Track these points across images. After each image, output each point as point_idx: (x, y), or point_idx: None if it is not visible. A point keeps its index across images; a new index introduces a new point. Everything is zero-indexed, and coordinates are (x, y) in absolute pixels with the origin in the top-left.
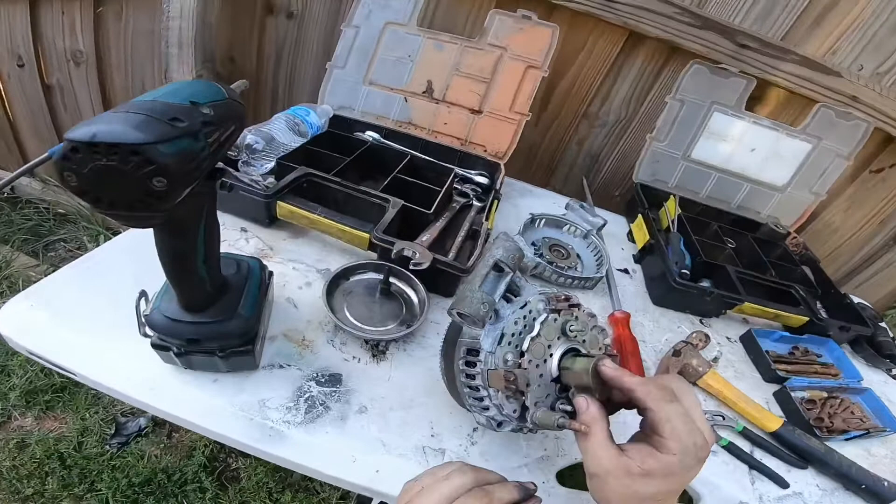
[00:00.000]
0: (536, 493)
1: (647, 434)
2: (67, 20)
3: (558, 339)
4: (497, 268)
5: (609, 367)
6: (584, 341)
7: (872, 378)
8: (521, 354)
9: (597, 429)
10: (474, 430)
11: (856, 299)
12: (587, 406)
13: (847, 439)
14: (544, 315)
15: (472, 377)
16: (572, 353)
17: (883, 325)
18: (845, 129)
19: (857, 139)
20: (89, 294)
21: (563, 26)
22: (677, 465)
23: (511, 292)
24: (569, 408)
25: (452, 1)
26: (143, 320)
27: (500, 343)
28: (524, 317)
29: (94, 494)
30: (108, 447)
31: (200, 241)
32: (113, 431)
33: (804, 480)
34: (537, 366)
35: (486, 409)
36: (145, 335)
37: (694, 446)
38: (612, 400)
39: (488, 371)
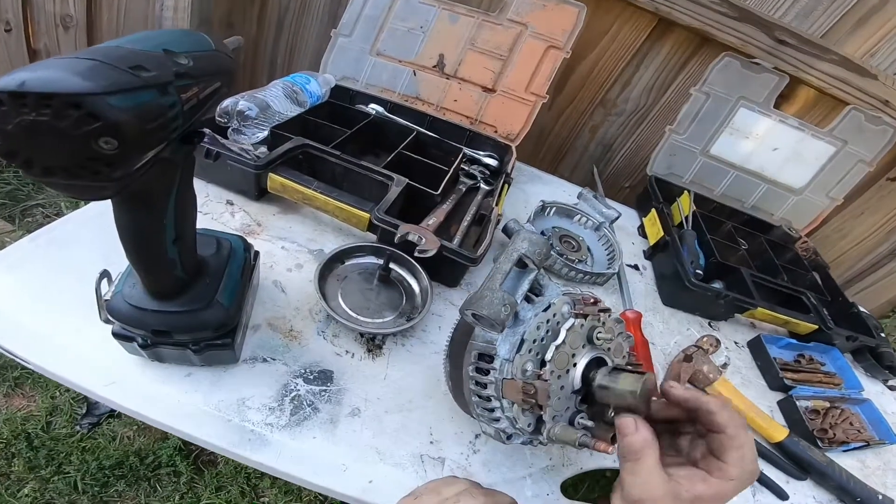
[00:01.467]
0: None
1: (690, 456)
2: None
3: (583, 347)
4: (521, 264)
5: (680, 389)
6: (608, 349)
7: (870, 388)
8: (543, 364)
9: (648, 453)
10: (476, 436)
11: (859, 308)
12: (636, 428)
13: (846, 451)
14: (571, 320)
15: (484, 386)
16: (602, 365)
17: (884, 335)
18: (872, 134)
19: (882, 145)
20: (51, 270)
21: (590, 6)
22: (731, 492)
23: (533, 292)
24: (590, 423)
25: None
26: (103, 306)
27: (519, 350)
28: (547, 321)
29: (62, 477)
30: (77, 428)
31: (170, 219)
32: (84, 411)
33: (802, 492)
34: (559, 377)
35: (497, 420)
36: (107, 321)
37: (751, 475)
38: (651, 418)
39: (503, 380)
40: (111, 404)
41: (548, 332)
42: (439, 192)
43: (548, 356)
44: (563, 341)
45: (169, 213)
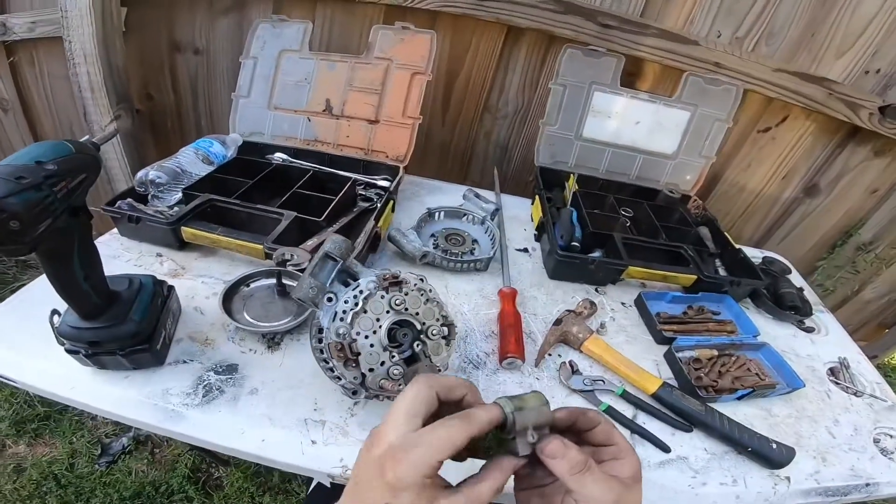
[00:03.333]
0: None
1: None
2: None
3: (387, 312)
4: (328, 258)
5: (562, 411)
6: (416, 313)
7: (780, 332)
8: (351, 327)
9: (592, 463)
10: (355, 404)
11: (766, 253)
12: (565, 448)
13: (739, 398)
14: (368, 293)
15: (321, 351)
16: (408, 326)
17: (790, 277)
18: (717, 94)
19: (730, 102)
20: (22, 321)
21: (448, 30)
22: (638, 464)
23: (352, 278)
24: (398, 371)
25: (344, 21)
26: (56, 332)
27: (333, 320)
28: (354, 296)
29: None
30: (97, 466)
31: (77, 265)
32: (99, 451)
33: (691, 444)
34: (367, 336)
35: (338, 378)
36: (61, 344)
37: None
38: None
39: (328, 344)
40: (72, 402)
41: (356, 304)
42: (323, 218)
43: (349, 320)
44: (363, 308)
45: (75, 261)
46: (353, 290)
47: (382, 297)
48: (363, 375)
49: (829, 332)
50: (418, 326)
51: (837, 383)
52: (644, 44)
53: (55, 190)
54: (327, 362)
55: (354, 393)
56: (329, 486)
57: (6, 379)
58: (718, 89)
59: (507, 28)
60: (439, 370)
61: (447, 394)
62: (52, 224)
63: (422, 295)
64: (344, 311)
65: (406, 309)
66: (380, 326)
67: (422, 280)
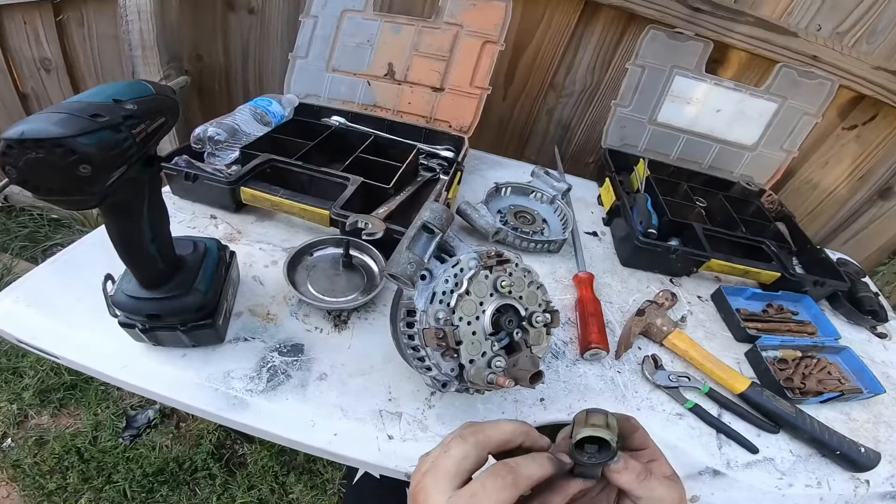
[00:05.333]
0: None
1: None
2: (31, 29)
3: (491, 295)
4: (426, 229)
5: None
6: (520, 297)
7: (854, 336)
8: (452, 312)
9: (650, 467)
10: (432, 393)
11: (837, 255)
12: (625, 460)
13: (823, 402)
14: (472, 272)
15: (412, 337)
16: (511, 311)
17: (865, 280)
18: (810, 88)
19: (822, 97)
20: (67, 285)
21: (519, 1)
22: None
23: (448, 253)
24: (501, 364)
25: None
26: (109, 301)
27: (431, 302)
28: (455, 275)
29: (112, 486)
30: (121, 440)
31: (145, 223)
32: (124, 424)
33: (777, 445)
34: (469, 322)
35: (429, 369)
36: (114, 315)
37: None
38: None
39: (423, 330)
40: (122, 384)
41: (456, 284)
42: (391, 185)
43: (452, 303)
44: (467, 290)
45: (144, 219)
46: (453, 267)
47: (486, 276)
48: (461, 367)
49: None
50: (522, 312)
51: None
52: (737, 31)
53: (134, 133)
54: (417, 350)
55: (444, 385)
56: (378, 476)
57: (47, 353)
58: (812, 83)
59: (584, 3)
60: (540, 359)
61: (501, 448)
62: (126, 173)
63: (525, 276)
64: (444, 293)
65: (510, 292)
66: (483, 311)
67: (520, 259)
